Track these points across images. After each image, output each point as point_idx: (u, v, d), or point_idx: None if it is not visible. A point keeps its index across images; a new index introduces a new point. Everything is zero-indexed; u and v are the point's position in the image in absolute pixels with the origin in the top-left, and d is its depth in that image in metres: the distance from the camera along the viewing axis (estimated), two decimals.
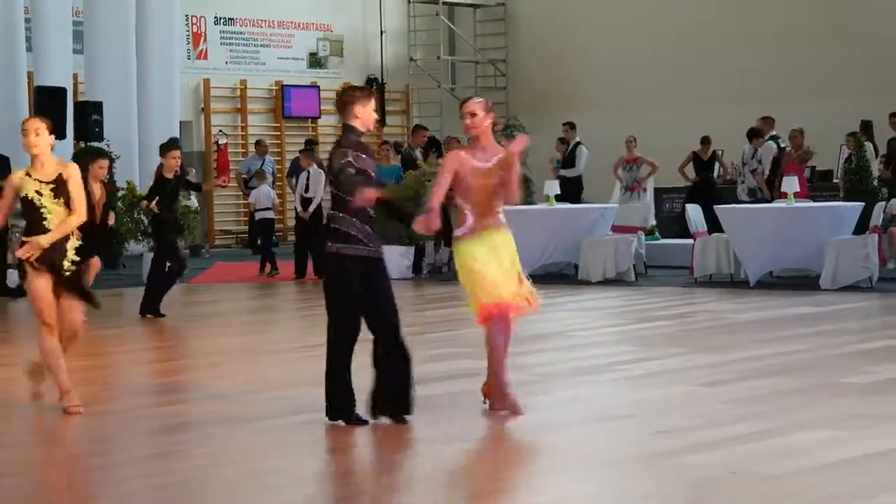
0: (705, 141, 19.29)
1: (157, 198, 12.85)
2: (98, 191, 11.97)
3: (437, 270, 17.65)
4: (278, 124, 24.95)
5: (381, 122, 26.23)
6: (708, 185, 18.93)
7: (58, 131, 19.36)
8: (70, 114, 19.01)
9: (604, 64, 24.83)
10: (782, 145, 18.43)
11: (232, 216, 24.81)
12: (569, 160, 20.50)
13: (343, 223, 7.23)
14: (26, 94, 19.40)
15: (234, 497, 6.10)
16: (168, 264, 13.03)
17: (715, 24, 23.86)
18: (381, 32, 26.27)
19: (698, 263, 15.32)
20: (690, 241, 15.78)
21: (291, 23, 25.27)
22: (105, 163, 12.24)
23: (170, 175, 12.93)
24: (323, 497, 6.07)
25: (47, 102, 18.55)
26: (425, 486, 6.15)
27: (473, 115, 7.66)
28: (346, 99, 7.33)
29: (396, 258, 16.93)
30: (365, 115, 7.29)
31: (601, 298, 14.20)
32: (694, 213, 15.95)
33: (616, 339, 11.12)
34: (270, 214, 18.80)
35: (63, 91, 18.88)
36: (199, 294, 15.95)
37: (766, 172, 18.13)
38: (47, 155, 7.74)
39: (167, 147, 13.33)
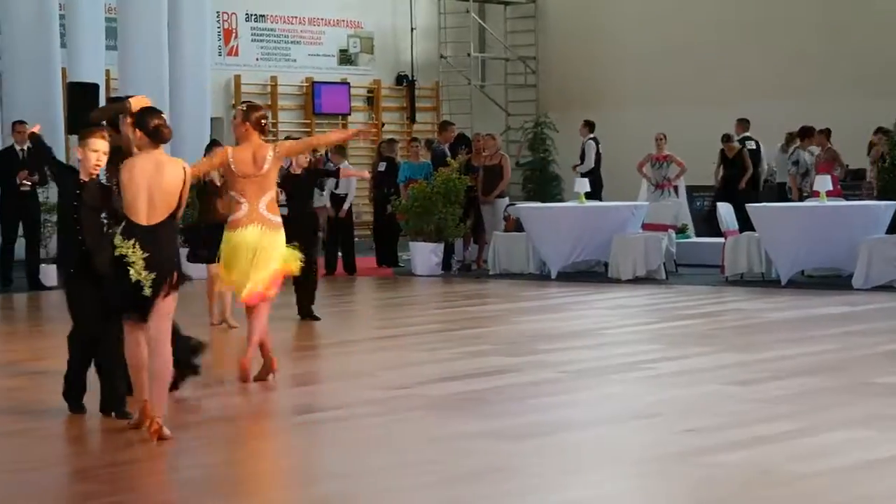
0: (727, 138, 19.21)
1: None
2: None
3: (467, 267, 17.66)
4: (308, 121, 25.01)
5: (411, 118, 26.26)
6: (733, 182, 18.85)
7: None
8: None
9: (635, 61, 24.76)
10: (751, 146, 19.02)
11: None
12: (581, 157, 20.58)
13: None
14: (60, 90, 19.50)
15: (244, 491, 6.13)
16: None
17: (749, 20, 23.73)
18: (412, 29, 26.27)
19: (729, 262, 15.27)
20: (722, 239, 15.74)
21: (322, 20, 25.31)
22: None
23: (298, 171, 12.59)
24: (350, 494, 6.09)
25: (80, 98, 18.64)
26: (459, 483, 6.16)
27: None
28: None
29: (426, 254, 16.97)
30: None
31: (631, 296, 14.18)
32: (725, 211, 15.91)
33: (645, 338, 11.10)
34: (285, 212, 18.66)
35: (95, 87, 18.97)
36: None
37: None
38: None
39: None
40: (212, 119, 22.42)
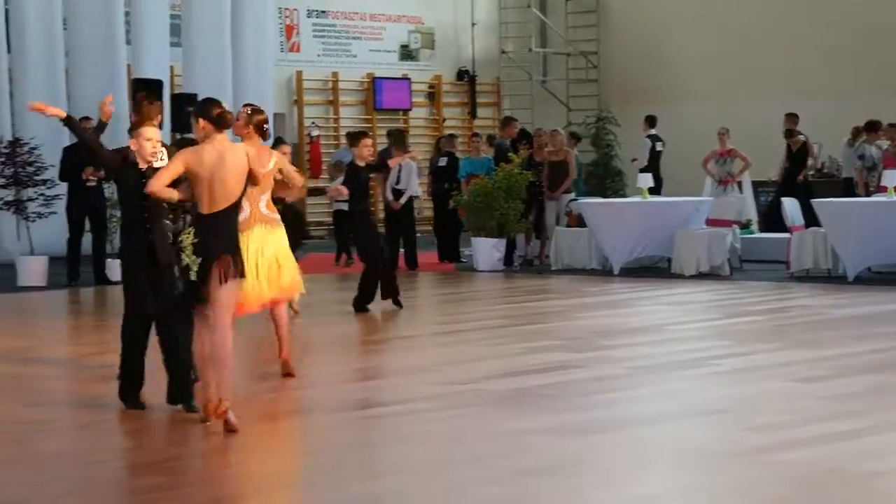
0: (789, 133, 19.02)
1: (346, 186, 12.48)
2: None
3: (529, 263, 17.61)
4: (369, 116, 25.08)
5: (472, 114, 26.26)
6: (794, 176, 18.67)
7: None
8: (167, 106, 19.27)
9: (697, 55, 24.59)
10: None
11: (325, 207, 24.96)
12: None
13: None
14: (126, 87, 19.70)
15: (307, 484, 6.15)
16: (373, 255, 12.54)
17: (812, 13, 23.50)
18: (473, 24, 26.27)
19: (795, 258, 15.12)
20: (787, 235, 15.58)
21: (383, 15, 25.37)
22: (287, 148, 12.09)
23: (362, 163, 12.72)
24: (415, 489, 6.09)
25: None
26: (525, 478, 6.14)
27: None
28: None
29: (488, 250, 16.95)
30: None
31: (695, 292, 14.07)
32: (790, 206, 15.75)
33: (710, 334, 11.02)
34: (345, 206, 18.78)
35: (159, 83, 19.15)
36: None
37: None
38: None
39: (358, 136, 13.03)
40: (274, 115, 22.55)
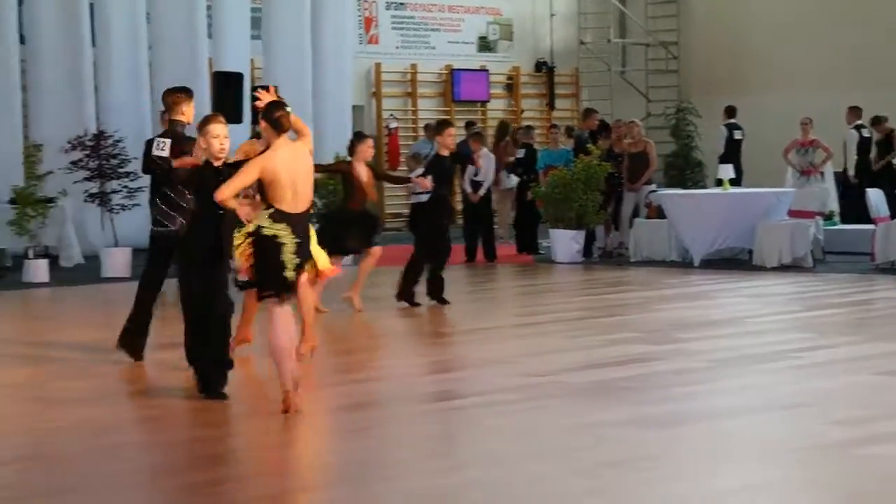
0: (875, 121, 18.72)
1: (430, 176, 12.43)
2: (365, 173, 11.80)
3: (608, 254, 17.53)
4: (448, 108, 25.09)
5: (550, 105, 26.18)
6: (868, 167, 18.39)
7: (234, 116, 19.76)
8: (246, 99, 19.43)
9: (777, 45, 24.28)
10: (866, 134, 18.52)
11: (404, 199, 25.05)
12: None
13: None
14: (207, 80, 19.88)
15: (388, 476, 6.18)
16: (430, 248, 12.41)
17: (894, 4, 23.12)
18: (551, 15, 26.17)
19: (880, 249, 14.89)
20: (871, 226, 15.35)
21: (461, 7, 25.37)
22: (371, 142, 12.17)
23: (445, 153, 12.72)
24: (496, 481, 6.10)
25: (224, 87, 18.97)
26: (606, 470, 6.13)
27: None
28: (170, 100, 9.35)
29: (566, 242, 16.89)
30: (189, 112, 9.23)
31: (776, 284, 13.93)
32: (875, 197, 15.51)
33: (792, 326, 10.90)
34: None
35: (240, 76, 19.30)
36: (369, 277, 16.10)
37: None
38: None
39: (442, 125, 12.89)
40: (352, 107, 22.65)
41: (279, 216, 7.32)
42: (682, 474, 6.10)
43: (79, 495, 5.92)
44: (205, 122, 7.94)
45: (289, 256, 7.30)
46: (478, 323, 11.64)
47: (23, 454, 6.78)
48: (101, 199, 15.95)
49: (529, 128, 19.78)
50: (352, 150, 11.99)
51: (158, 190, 9.55)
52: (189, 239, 8.05)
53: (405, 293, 12.40)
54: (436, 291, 12.48)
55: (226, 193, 7.35)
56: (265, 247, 7.31)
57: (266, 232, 7.30)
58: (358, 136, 12.26)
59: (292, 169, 7.34)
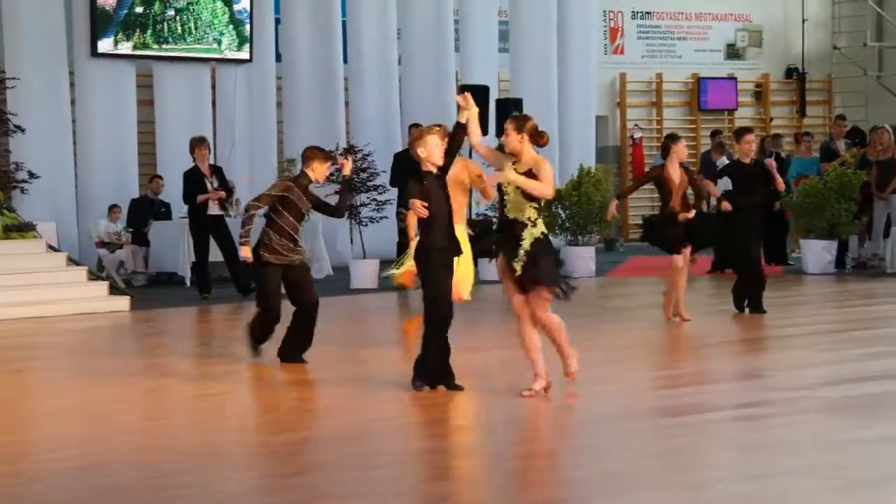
0: None
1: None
2: (678, 175, 11.71)
3: (863, 265, 16.93)
4: (693, 117, 24.74)
5: (801, 113, 25.47)
6: None
7: (480, 128, 19.89)
8: (492, 111, 19.61)
9: None
10: None
11: (647, 210, 24.82)
12: None
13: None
14: (454, 93, 20.16)
15: (643, 489, 6.09)
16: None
17: None
18: (803, 21, 25.48)
19: None
20: None
21: (709, 14, 24.98)
22: (684, 143, 12.04)
23: (747, 160, 12.26)
24: (754, 496, 5.94)
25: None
26: (868, 489, 5.90)
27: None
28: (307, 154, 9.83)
29: (818, 252, 16.40)
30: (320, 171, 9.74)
31: None
32: None
33: None
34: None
35: (485, 89, 19.50)
36: (614, 288, 16.03)
37: None
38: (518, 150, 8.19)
39: (743, 132, 12.45)
40: (596, 118, 22.58)
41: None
42: None
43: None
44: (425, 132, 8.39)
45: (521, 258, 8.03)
46: (726, 336, 11.39)
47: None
48: (350, 211, 16.31)
49: (777, 136, 19.30)
50: (665, 152, 11.91)
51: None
52: (422, 242, 8.39)
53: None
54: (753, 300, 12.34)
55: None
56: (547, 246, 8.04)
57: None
58: (671, 138, 12.11)
59: None
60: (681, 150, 11.70)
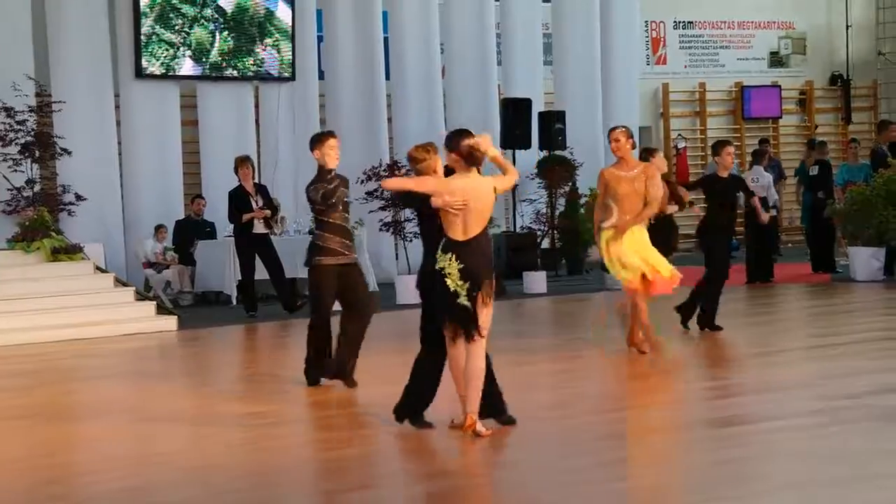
0: None
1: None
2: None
3: None
4: (737, 126, 24.62)
5: (846, 119, 25.29)
6: None
7: (522, 141, 19.88)
8: (535, 124, 19.62)
9: None
10: None
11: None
12: None
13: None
14: (497, 107, 20.19)
15: (696, 502, 6.05)
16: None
17: None
18: (847, 27, 25.30)
19: None
20: None
21: (752, 23, 24.87)
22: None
23: (725, 174, 12.03)
24: None
25: (512, 113, 19.22)
26: None
27: (617, 140, 10.15)
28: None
29: (866, 259, 16.27)
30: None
31: None
32: None
33: None
34: None
35: (528, 102, 19.51)
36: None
37: None
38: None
39: (722, 144, 12.25)
40: (640, 128, 22.52)
41: (446, 245, 7.42)
42: None
43: None
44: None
45: (458, 283, 7.38)
46: (774, 345, 11.32)
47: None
48: (395, 227, 16.35)
49: (823, 143, 19.18)
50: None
51: None
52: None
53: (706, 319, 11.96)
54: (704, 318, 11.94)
55: (392, 184, 8.35)
56: (436, 280, 7.42)
57: (437, 265, 7.42)
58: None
59: (469, 200, 7.39)
60: (660, 162, 11.52)
